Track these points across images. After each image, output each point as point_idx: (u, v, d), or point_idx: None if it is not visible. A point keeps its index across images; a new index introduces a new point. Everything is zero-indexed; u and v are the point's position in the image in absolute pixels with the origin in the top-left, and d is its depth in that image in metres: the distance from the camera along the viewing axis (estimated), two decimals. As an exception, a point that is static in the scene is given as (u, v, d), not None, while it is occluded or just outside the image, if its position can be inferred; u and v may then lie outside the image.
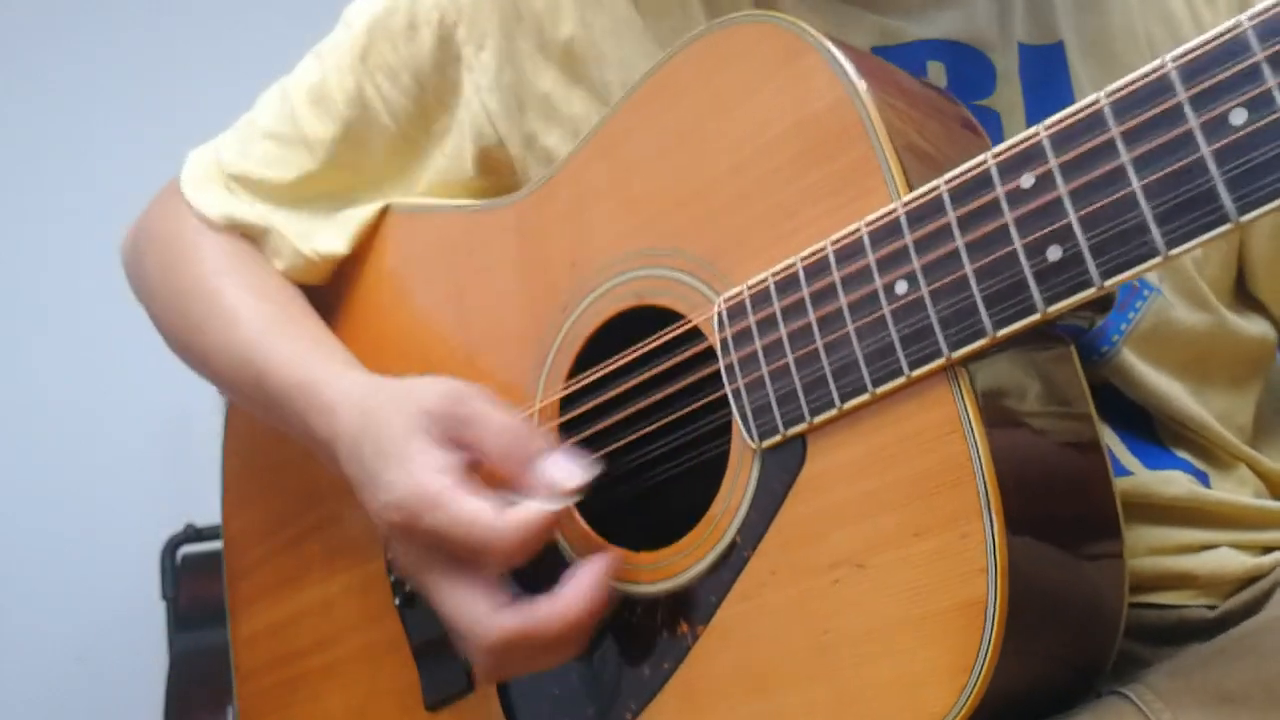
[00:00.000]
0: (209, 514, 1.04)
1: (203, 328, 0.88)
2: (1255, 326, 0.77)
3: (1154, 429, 0.74)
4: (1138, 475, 0.71)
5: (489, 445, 0.67)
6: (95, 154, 2.23)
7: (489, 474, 0.68)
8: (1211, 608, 0.70)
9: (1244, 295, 0.79)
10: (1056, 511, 0.59)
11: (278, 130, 0.90)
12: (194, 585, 1.92)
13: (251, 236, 0.91)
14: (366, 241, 0.92)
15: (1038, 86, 0.73)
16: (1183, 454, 0.73)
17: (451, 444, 0.67)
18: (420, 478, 0.66)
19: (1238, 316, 0.76)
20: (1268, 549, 0.72)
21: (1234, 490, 0.73)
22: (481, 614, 0.65)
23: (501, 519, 0.63)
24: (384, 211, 0.91)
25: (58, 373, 2.14)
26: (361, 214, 0.91)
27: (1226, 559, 0.71)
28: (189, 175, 0.94)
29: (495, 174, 0.86)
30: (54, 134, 2.25)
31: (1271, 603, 0.69)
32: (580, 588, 0.65)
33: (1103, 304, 0.61)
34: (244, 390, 0.85)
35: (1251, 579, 0.71)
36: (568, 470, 0.66)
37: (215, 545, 1.05)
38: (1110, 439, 0.71)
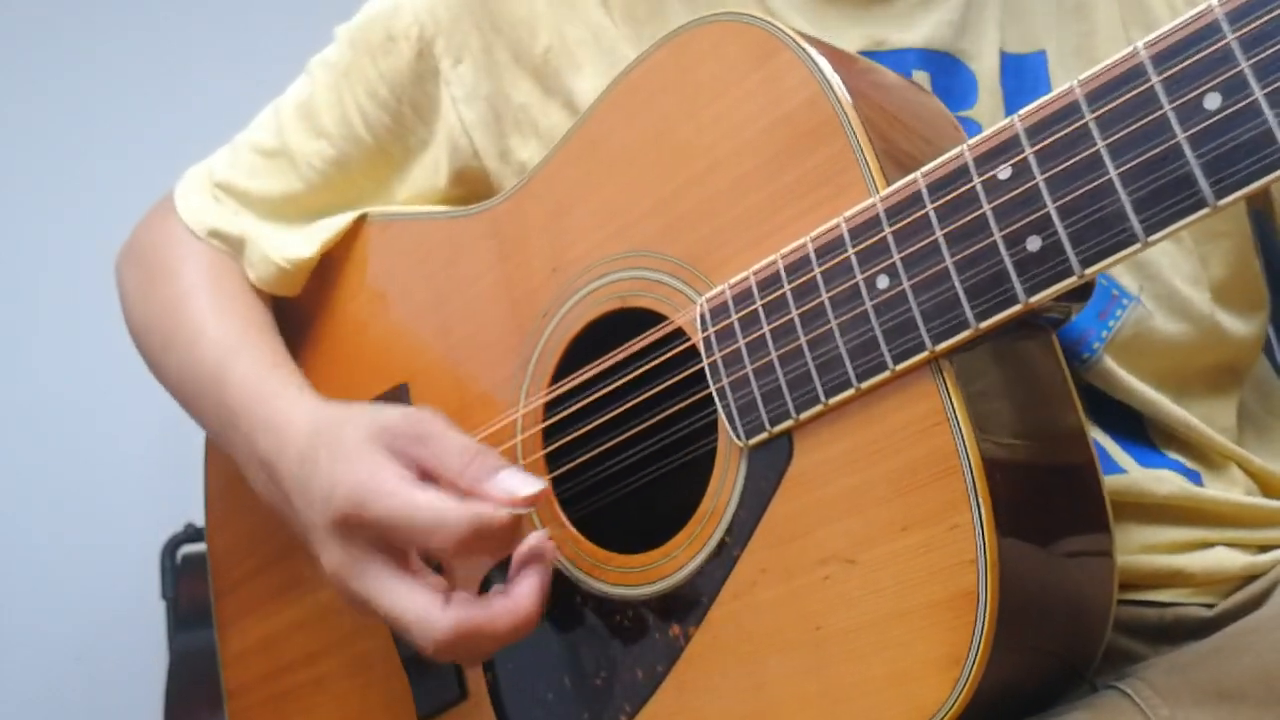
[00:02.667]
0: (208, 517, 1.03)
1: (169, 344, 0.88)
2: (1247, 328, 0.76)
3: (1145, 429, 0.74)
4: (1131, 473, 0.71)
5: (448, 461, 0.66)
6: (95, 156, 2.21)
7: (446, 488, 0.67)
8: (1209, 606, 0.70)
9: (1249, 297, 0.78)
10: (1045, 500, 0.59)
11: (265, 144, 0.91)
12: (194, 585, 1.90)
13: (231, 247, 0.92)
14: (345, 251, 0.92)
15: (1019, 95, 0.73)
16: (1174, 454, 0.73)
17: (406, 459, 0.67)
18: (374, 470, 0.66)
19: (1233, 318, 0.75)
20: (1263, 548, 0.72)
21: (1225, 489, 0.73)
22: (428, 608, 0.65)
23: (456, 505, 0.63)
24: (361, 220, 0.91)
25: (58, 373, 2.13)
26: (334, 222, 0.91)
27: (1222, 557, 0.71)
28: (182, 187, 0.95)
29: (469, 186, 0.87)
30: (54, 135, 2.23)
31: (1270, 601, 0.69)
32: (531, 586, 0.66)
33: (1081, 293, 0.61)
34: (201, 410, 0.86)
35: (1248, 578, 0.71)
36: (524, 479, 0.65)
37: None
38: (1102, 438, 0.71)
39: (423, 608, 0.65)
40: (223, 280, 0.90)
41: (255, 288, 0.91)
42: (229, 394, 0.80)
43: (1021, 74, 0.74)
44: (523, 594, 0.66)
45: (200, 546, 1.94)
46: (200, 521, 1.95)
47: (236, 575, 1.00)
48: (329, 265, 0.93)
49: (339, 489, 0.66)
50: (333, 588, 0.69)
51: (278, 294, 0.92)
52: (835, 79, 0.61)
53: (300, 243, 0.90)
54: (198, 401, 0.86)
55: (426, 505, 0.64)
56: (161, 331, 0.89)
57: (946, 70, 0.73)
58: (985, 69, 0.73)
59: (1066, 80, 0.72)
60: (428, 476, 0.67)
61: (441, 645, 0.65)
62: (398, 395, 0.86)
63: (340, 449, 0.68)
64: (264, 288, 0.91)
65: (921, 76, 0.73)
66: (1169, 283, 0.72)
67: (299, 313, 0.94)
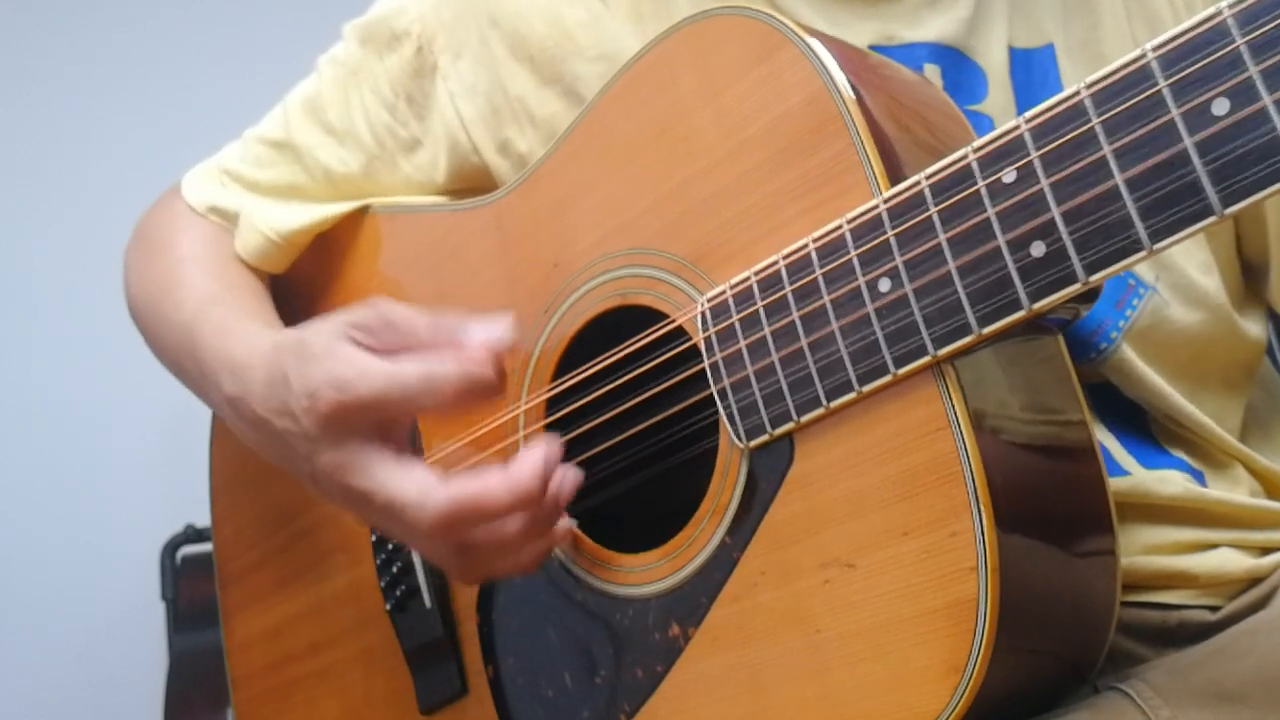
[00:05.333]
0: (209, 515, 1.03)
1: (159, 311, 0.88)
2: (1254, 328, 0.76)
3: (1149, 428, 0.73)
4: (1135, 475, 0.70)
5: (416, 332, 0.65)
6: (95, 155, 2.21)
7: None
8: (1213, 609, 0.70)
9: (1250, 295, 0.78)
10: (1047, 507, 0.58)
11: (272, 136, 0.92)
12: (193, 586, 1.91)
13: (227, 220, 0.93)
14: (349, 243, 0.92)
15: (1029, 89, 0.72)
16: (1178, 453, 0.73)
17: (375, 346, 0.66)
18: (349, 358, 0.64)
19: (1241, 317, 0.75)
20: (1266, 550, 0.71)
21: (1229, 489, 0.72)
22: (426, 484, 0.63)
23: (443, 364, 0.62)
24: (365, 211, 0.91)
25: (58, 373, 2.13)
26: (332, 209, 0.91)
27: (1226, 559, 0.70)
28: (190, 174, 0.97)
29: (468, 181, 0.87)
30: (54, 134, 2.23)
31: (1272, 604, 0.68)
32: (530, 459, 0.63)
33: (1088, 295, 0.60)
34: (183, 367, 0.84)
35: (1252, 580, 0.70)
36: (490, 326, 0.64)
37: (215, 547, 1.06)
38: (1106, 438, 0.71)
39: (420, 483, 0.63)
40: (218, 250, 0.91)
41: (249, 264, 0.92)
42: (201, 345, 0.79)
43: (1030, 68, 0.73)
44: (522, 465, 0.63)
45: (200, 548, 1.95)
46: (200, 522, 1.97)
47: (240, 566, 1.00)
48: (333, 255, 0.93)
49: (319, 386, 0.64)
50: (331, 495, 0.68)
51: (263, 268, 0.92)
52: (840, 76, 0.60)
53: (290, 216, 0.91)
54: (179, 360, 0.85)
55: (412, 370, 0.63)
56: (154, 300, 0.90)
57: (957, 65, 0.72)
58: (994, 64, 0.72)
59: (1074, 73, 0.73)
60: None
61: (439, 521, 0.62)
62: (401, 388, 0.86)
63: (307, 352, 0.66)
64: (249, 259, 0.91)
65: (932, 70, 0.73)
66: (1184, 271, 0.72)
67: (304, 303, 0.94)
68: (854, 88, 0.60)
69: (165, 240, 0.93)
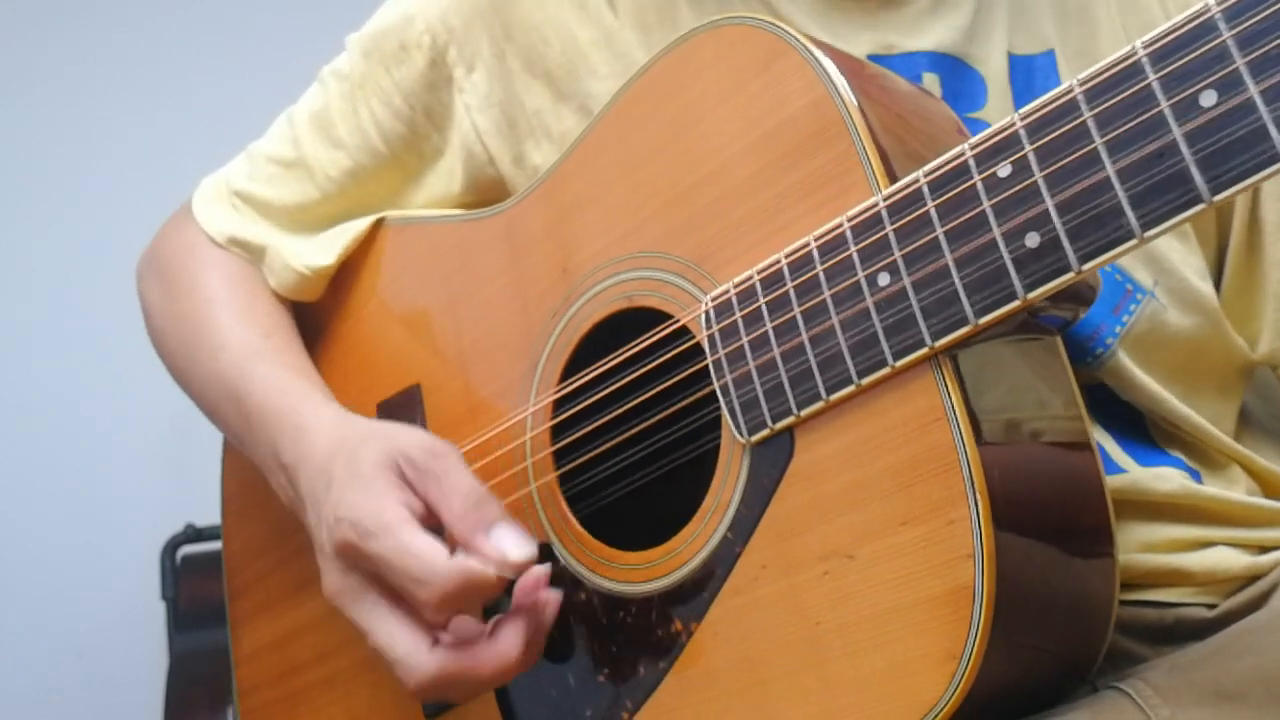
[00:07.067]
0: (209, 514, 1.04)
1: (192, 352, 0.89)
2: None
3: (1146, 429, 0.74)
4: (1131, 472, 0.71)
5: (451, 504, 0.67)
6: (95, 154, 2.23)
7: (443, 531, 0.68)
8: (1210, 606, 0.70)
9: None
10: (1044, 497, 0.59)
11: (282, 154, 0.92)
12: (194, 585, 1.92)
13: (251, 254, 0.93)
14: (362, 254, 0.93)
15: (1029, 95, 0.73)
16: (1175, 453, 0.73)
17: (415, 491, 0.68)
18: (381, 502, 0.67)
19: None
20: (1264, 548, 0.72)
21: (1226, 488, 0.73)
22: (414, 649, 0.66)
23: (447, 561, 0.64)
24: (379, 223, 0.92)
25: (59, 373, 2.14)
26: (352, 227, 0.92)
27: (1223, 557, 0.70)
28: (200, 195, 0.96)
29: (484, 192, 0.87)
30: (56, 136, 2.24)
31: (1270, 602, 0.68)
32: (517, 633, 0.66)
33: (1084, 297, 0.62)
34: (224, 415, 0.87)
35: (1250, 578, 0.71)
36: (517, 540, 0.65)
37: (215, 546, 1.06)
38: (1103, 438, 0.71)
39: (409, 648, 0.66)
40: (243, 287, 0.91)
41: (275, 293, 0.92)
42: (250, 401, 0.81)
43: (1031, 74, 0.74)
44: (508, 640, 0.66)
45: (200, 547, 1.95)
46: (200, 522, 1.97)
47: (250, 576, 1.00)
48: (346, 267, 0.94)
49: (345, 516, 0.67)
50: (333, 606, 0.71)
51: (298, 300, 0.94)
52: (841, 81, 0.62)
53: (319, 251, 0.92)
54: (219, 409, 0.87)
55: (419, 554, 0.64)
56: (183, 340, 0.90)
57: (956, 73, 0.74)
58: (993, 72, 0.74)
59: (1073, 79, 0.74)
60: (432, 513, 0.68)
61: (424, 685, 0.66)
62: (410, 396, 0.87)
63: (355, 470, 0.69)
64: (284, 294, 0.92)
65: (931, 79, 0.74)
66: (1182, 276, 0.73)
67: (317, 313, 0.95)
68: (854, 92, 0.62)
69: (188, 276, 0.93)
